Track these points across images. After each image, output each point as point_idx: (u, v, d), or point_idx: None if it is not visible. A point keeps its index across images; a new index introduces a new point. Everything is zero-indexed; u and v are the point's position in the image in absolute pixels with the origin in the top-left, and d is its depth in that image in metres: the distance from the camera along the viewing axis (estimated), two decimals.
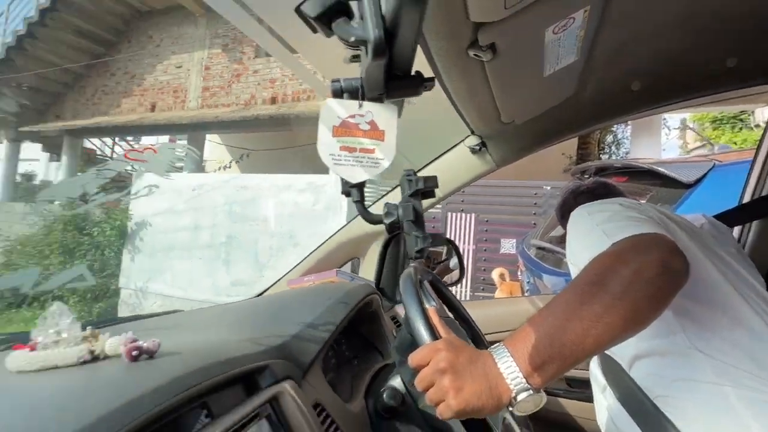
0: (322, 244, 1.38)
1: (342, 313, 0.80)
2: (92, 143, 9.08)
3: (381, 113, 0.44)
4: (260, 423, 0.51)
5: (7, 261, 6.54)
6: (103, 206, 6.91)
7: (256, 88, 6.51)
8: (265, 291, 1.39)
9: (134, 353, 0.47)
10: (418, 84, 0.43)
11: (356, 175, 0.43)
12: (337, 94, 0.43)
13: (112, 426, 0.36)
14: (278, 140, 6.91)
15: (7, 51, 7.02)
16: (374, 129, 0.44)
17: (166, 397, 0.41)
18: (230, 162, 6.63)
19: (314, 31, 0.48)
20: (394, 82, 0.42)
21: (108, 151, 9.52)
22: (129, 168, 9.54)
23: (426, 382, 0.50)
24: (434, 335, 0.60)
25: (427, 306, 0.68)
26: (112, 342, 0.49)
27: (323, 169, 4.88)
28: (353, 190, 0.42)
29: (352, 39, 0.37)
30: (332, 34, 0.47)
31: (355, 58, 0.52)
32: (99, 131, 7.68)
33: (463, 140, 1.13)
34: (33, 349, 0.48)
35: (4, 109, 7.85)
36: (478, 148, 1.08)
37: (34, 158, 11.81)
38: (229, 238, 5.17)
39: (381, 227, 1.36)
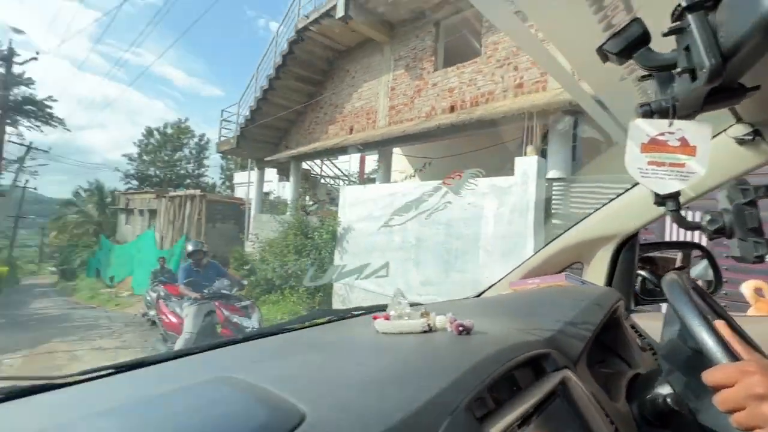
0: (543, 248, 1.41)
1: (598, 314, 0.83)
2: (308, 165, 11.36)
3: (692, 130, 0.47)
4: (556, 402, 0.60)
5: (261, 258, 8.82)
6: (318, 215, 8.58)
7: (435, 99, 6.94)
8: (484, 291, 1.51)
9: (460, 329, 0.63)
10: (741, 95, 0.44)
11: (665, 187, 0.48)
12: (647, 115, 0.48)
13: (472, 381, 0.50)
14: (458, 146, 7.18)
15: (258, 102, 9.53)
16: (685, 145, 0.47)
17: (499, 365, 0.54)
18: (415, 171, 7.26)
19: (605, 61, 0.55)
20: (713, 96, 0.44)
21: (317, 170, 11.74)
22: (334, 185, 11.40)
23: (732, 404, 0.48)
24: (730, 353, 0.56)
25: (710, 317, 0.64)
26: (440, 319, 0.67)
27: (507, 171, 4.82)
28: (668, 201, 0.46)
29: (688, 65, 0.41)
30: (625, 62, 0.53)
31: (645, 78, 0.56)
32: (313, 155, 9.56)
33: (724, 130, 0.99)
34: (387, 318, 0.69)
35: (255, 146, 10.63)
36: (750, 137, 0.93)
37: (269, 180, 15.48)
38: (418, 241, 5.66)
39: (608, 233, 1.31)
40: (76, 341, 6.70)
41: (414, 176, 7.36)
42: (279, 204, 11.99)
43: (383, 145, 7.21)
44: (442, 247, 5.34)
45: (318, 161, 11.51)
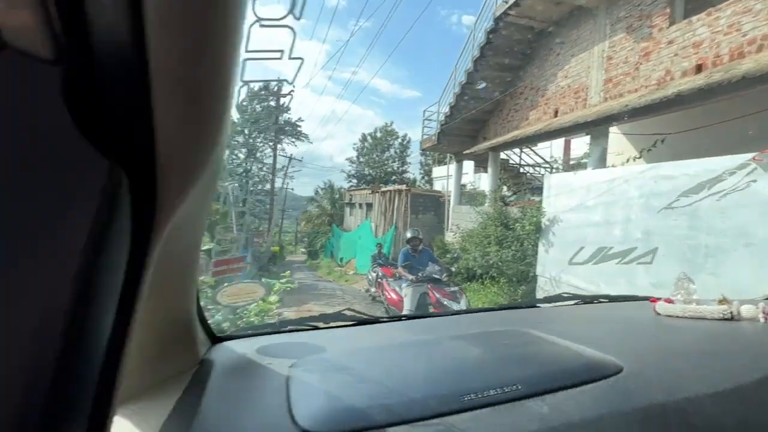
0: None
1: None
2: (506, 155, 11.10)
3: None
4: None
5: (461, 247, 9.21)
6: (518, 206, 8.30)
7: (671, 61, 5.63)
8: None
9: None
10: None
11: None
12: None
13: None
14: (700, 117, 5.63)
15: (456, 98, 9.91)
16: None
17: None
18: (640, 152, 6.10)
19: None
20: None
21: (516, 159, 11.32)
22: (534, 170, 10.81)
23: None
24: None
25: None
26: (747, 308, 0.61)
27: None
28: None
29: None
30: None
31: None
32: (512, 144, 9.27)
33: None
34: (669, 302, 0.68)
35: (454, 140, 11.10)
36: None
37: (465, 172, 15.87)
38: (646, 235, 4.77)
39: None
40: (323, 305, 8.65)
41: (639, 158, 6.20)
42: (477, 195, 12.19)
43: (597, 125, 6.34)
44: (685, 244, 4.33)
45: (517, 150, 11.10)
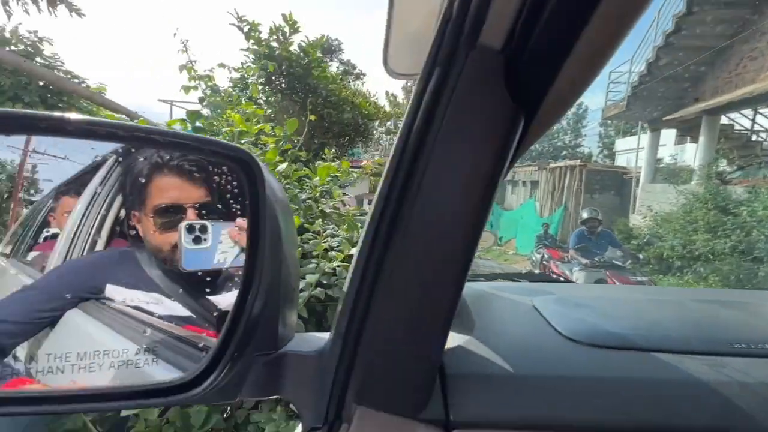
0: None
1: None
2: (729, 118, 8.62)
3: None
4: None
5: (652, 233, 7.77)
6: (746, 185, 6.43)
7: None
8: None
9: None
10: None
11: None
12: None
13: None
14: None
15: (657, 52, 8.12)
16: None
17: None
18: None
19: None
20: None
21: (747, 124, 8.66)
22: None
23: None
24: None
25: None
26: None
27: None
28: None
29: None
30: None
31: None
32: (742, 104, 7.12)
33: None
34: None
35: (650, 105, 9.22)
36: None
37: (662, 143, 13.05)
38: None
39: None
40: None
41: None
42: (679, 171, 9.93)
43: None
44: None
45: (748, 111, 8.48)
